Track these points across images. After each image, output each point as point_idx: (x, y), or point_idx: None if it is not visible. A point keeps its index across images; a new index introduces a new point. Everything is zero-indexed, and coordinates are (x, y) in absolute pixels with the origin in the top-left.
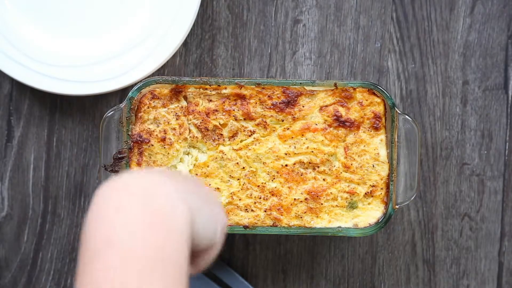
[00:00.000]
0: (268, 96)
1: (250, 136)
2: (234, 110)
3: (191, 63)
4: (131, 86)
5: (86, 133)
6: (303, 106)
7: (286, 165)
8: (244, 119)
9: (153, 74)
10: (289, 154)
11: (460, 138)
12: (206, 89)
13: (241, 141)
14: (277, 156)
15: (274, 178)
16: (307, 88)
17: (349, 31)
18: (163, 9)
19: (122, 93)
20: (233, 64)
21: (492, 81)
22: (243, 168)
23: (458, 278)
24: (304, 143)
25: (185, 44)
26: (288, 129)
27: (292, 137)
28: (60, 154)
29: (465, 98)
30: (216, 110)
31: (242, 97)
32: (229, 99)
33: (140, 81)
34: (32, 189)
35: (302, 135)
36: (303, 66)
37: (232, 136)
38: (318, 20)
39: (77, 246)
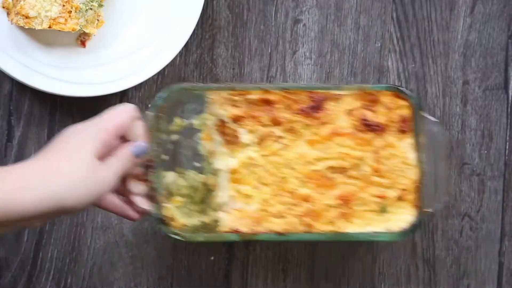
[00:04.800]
0: (295, 101)
1: (278, 141)
2: (260, 115)
3: (191, 63)
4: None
5: None
6: (330, 111)
7: (316, 170)
8: (272, 124)
9: (153, 76)
10: (318, 159)
11: (460, 138)
12: (231, 94)
13: (270, 146)
14: (306, 161)
15: (304, 184)
16: (332, 92)
17: (349, 31)
18: (165, 16)
19: (122, 93)
20: (233, 64)
21: (492, 81)
22: (273, 174)
23: (458, 278)
24: (332, 147)
25: (185, 44)
26: (316, 134)
27: (321, 142)
28: None
29: (465, 98)
30: (243, 116)
31: (268, 102)
32: (255, 104)
33: (166, 88)
34: None
35: (330, 139)
36: (303, 65)
37: (260, 142)
38: (318, 20)
39: (77, 246)
